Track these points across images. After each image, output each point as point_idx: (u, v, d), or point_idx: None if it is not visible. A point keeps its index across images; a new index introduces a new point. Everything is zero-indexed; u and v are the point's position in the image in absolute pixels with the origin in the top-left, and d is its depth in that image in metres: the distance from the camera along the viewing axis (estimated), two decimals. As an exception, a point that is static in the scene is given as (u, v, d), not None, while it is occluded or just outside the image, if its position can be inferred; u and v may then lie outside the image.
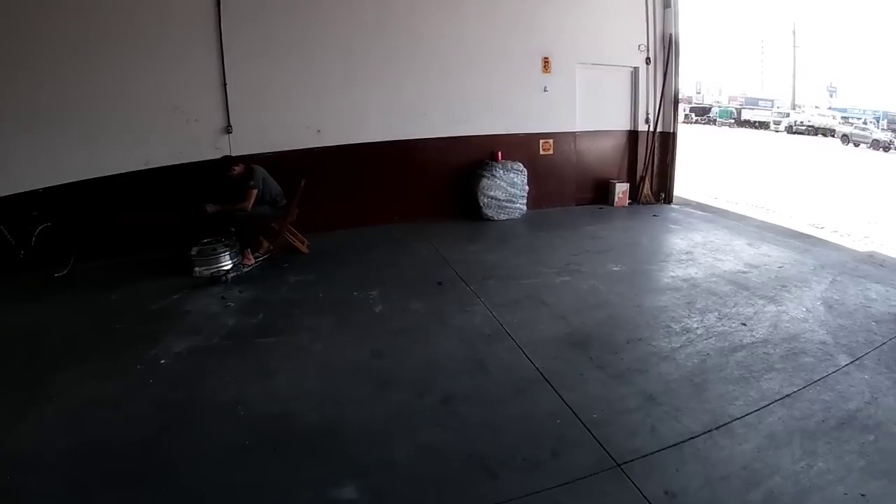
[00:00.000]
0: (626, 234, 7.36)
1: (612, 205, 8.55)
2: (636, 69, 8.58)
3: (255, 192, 5.90)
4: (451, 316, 4.91)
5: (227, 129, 6.71)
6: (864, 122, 23.49)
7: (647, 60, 8.52)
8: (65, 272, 6.14)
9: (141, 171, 6.54)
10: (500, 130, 7.93)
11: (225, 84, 6.69)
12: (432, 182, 7.82)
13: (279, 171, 6.38)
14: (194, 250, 5.92)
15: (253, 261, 6.11)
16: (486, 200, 7.67)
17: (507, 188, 7.71)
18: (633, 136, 8.73)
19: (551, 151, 8.23)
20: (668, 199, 8.80)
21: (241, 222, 5.93)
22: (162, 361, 4.22)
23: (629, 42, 8.52)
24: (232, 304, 5.23)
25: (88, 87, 6.27)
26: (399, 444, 3.19)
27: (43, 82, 6.12)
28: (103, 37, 6.24)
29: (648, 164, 8.68)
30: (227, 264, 5.95)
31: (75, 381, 3.95)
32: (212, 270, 5.85)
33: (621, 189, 8.55)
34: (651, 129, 8.62)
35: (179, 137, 6.60)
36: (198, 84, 6.67)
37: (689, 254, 6.46)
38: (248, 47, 6.76)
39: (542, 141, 8.18)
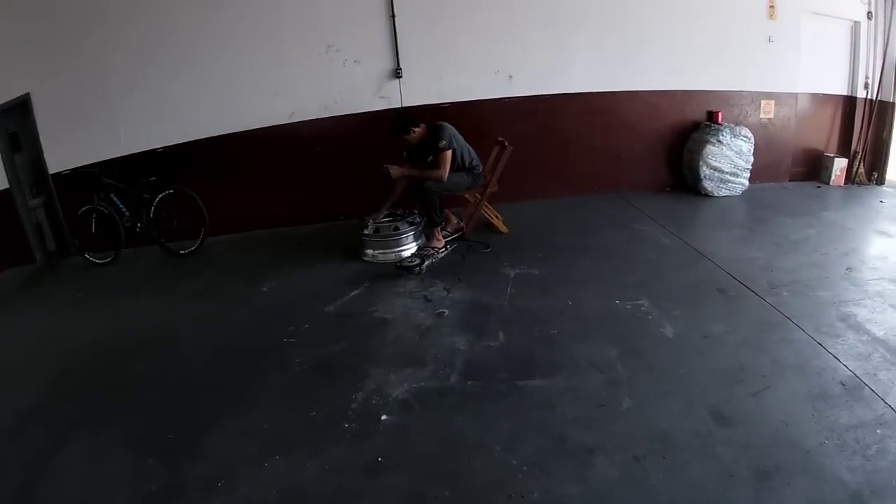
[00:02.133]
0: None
1: (828, 183, 6.30)
2: (857, 23, 6.23)
3: (449, 154, 3.99)
4: (775, 349, 2.95)
5: (396, 73, 4.77)
6: None
7: (869, 15, 6.19)
8: (193, 248, 4.38)
9: (283, 125, 4.70)
10: (718, 86, 5.76)
11: (393, 15, 4.71)
12: (638, 144, 5.73)
13: (460, 127, 4.39)
14: (370, 228, 4.10)
15: (443, 243, 4.21)
16: (707, 171, 5.56)
17: (734, 158, 5.58)
18: (849, 102, 6.43)
19: (771, 115, 6.01)
20: (881, 179, 6.48)
21: (429, 194, 4.05)
22: (383, 418, 2.45)
23: (852, -10, 6.15)
24: (445, 312, 3.38)
25: (219, 24, 4.45)
26: None
27: (163, 19, 4.37)
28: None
29: (864, 137, 6.37)
30: (409, 247, 4.10)
31: (249, 451, 2.26)
32: (391, 255, 4.04)
33: (839, 165, 6.29)
34: (869, 96, 6.30)
35: (334, 84, 4.72)
36: (357, 14, 4.73)
37: None
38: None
39: (763, 102, 5.96)
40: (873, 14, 6.18)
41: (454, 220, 4.45)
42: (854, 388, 2.58)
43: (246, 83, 4.58)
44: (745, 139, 5.52)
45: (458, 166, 4.10)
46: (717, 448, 2.21)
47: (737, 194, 5.69)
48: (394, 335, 3.10)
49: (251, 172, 4.70)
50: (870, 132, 6.36)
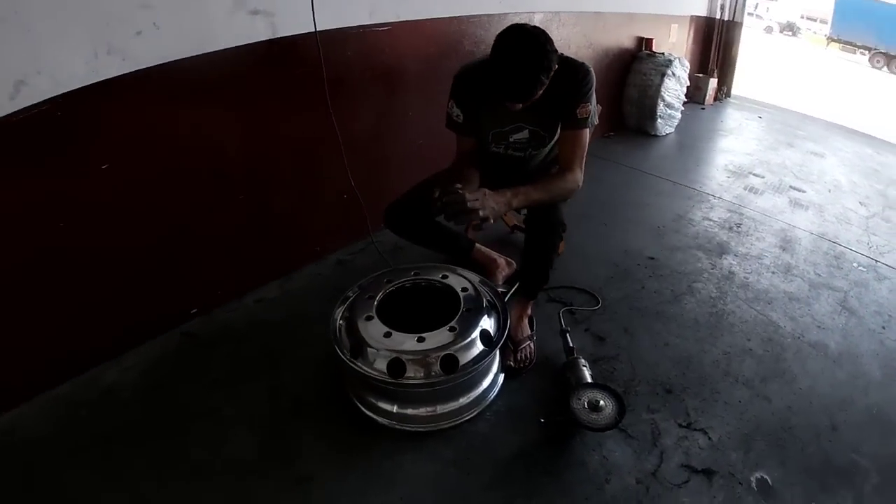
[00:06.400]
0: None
1: (703, 102, 5.87)
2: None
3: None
4: None
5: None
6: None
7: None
8: None
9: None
10: (647, 8, 4.43)
11: None
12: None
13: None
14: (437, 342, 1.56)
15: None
16: (662, 109, 4.35)
17: (679, 91, 4.49)
18: (709, 23, 5.96)
19: (674, 40, 5.05)
20: (729, 93, 6.48)
21: (560, 228, 1.77)
22: None
23: None
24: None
25: None
26: None
27: None
28: None
29: (718, 55, 6.15)
30: (492, 373, 1.78)
31: None
32: (452, 409, 1.64)
33: (712, 85, 5.92)
34: (723, 17, 6.00)
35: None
36: None
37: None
38: None
39: (673, 26, 4.95)
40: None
41: (500, 260, 2.26)
42: None
43: None
44: (685, 69, 4.49)
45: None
46: None
47: (673, 130, 4.67)
48: None
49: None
50: (722, 50, 6.15)
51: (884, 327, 2.29)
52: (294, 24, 2.06)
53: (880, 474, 1.61)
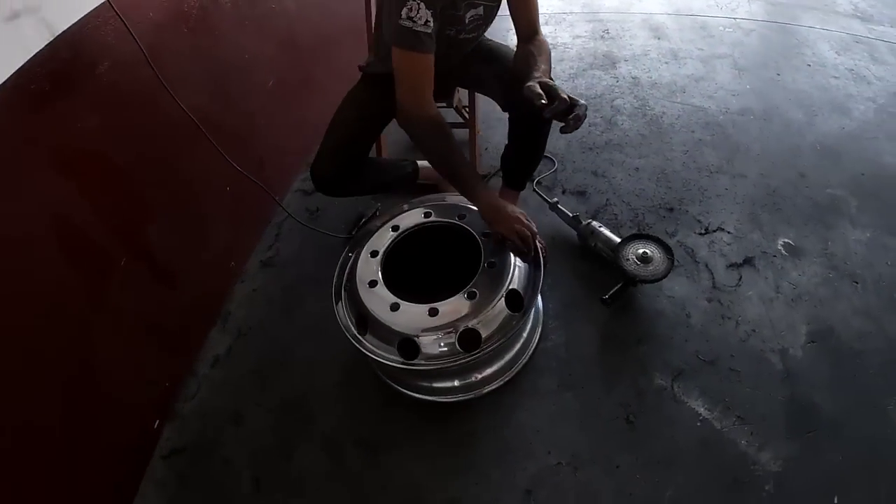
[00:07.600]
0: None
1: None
2: None
3: None
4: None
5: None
6: None
7: None
8: None
9: None
10: None
11: None
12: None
13: None
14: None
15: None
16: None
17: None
18: None
19: None
20: None
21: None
22: None
23: None
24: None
25: None
26: None
27: None
28: None
29: None
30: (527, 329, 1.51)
31: None
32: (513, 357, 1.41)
33: None
34: None
35: None
36: None
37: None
38: None
39: None
40: None
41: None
42: None
43: None
44: None
45: None
46: None
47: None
48: None
49: None
50: None
51: (778, 74, 2.53)
52: (71, 7, 1.45)
53: (855, 196, 1.87)
